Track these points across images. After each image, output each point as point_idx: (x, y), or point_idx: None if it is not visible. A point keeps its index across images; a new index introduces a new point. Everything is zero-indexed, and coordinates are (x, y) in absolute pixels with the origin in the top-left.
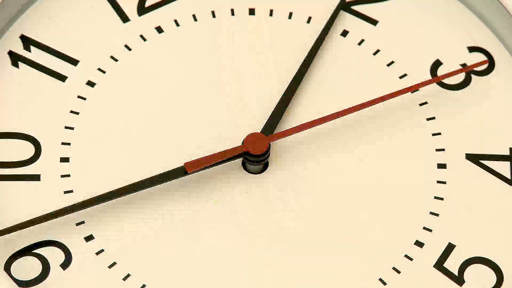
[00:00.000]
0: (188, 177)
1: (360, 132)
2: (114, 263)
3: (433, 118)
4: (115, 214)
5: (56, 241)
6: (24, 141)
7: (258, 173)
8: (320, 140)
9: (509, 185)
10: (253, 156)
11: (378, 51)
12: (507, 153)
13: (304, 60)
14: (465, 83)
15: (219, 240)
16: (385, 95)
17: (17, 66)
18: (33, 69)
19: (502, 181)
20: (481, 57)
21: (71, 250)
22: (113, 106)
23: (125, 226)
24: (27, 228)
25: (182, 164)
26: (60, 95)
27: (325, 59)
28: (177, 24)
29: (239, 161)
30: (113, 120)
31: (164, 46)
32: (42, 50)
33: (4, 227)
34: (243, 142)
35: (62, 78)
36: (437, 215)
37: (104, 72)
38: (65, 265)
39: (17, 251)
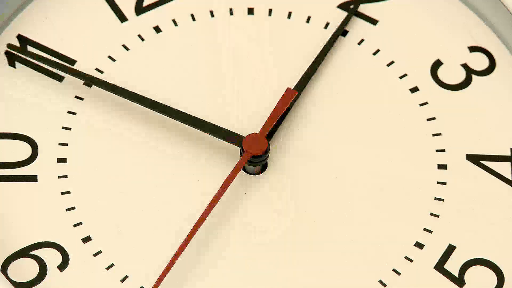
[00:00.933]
0: (186, 178)
1: (359, 132)
2: (112, 265)
3: (434, 118)
4: (113, 215)
5: (53, 243)
6: (21, 141)
7: (257, 174)
8: (319, 141)
9: (510, 186)
10: (252, 157)
11: (378, 51)
12: (508, 153)
13: (310, 66)
14: (466, 83)
15: (217, 241)
16: None
17: (14, 66)
18: (30, 69)
19: (503, 182)
20: (482, 57)
21: (68, 252)
22: (111, 106)
23: (123, 228)
24: (22, 229)
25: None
26: (57, 95)
27: (324, 59)
28: (175, 24)
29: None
30: (110, 120)
31: (162, 46)
32: (39, 50)
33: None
34: (241, 143)
35: (59, 78)
36: (437, 216)
37: (101, 72)
38: (62, 266)
39: (14, 253)
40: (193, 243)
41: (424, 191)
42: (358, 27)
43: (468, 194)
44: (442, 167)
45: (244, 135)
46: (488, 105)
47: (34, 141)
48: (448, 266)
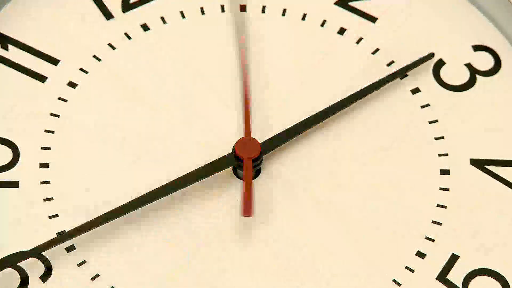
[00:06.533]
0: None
1: (357, 136)
2: (97, 275)
3: (436, 121)
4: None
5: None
6: (1, 145)
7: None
8: (316, 144)
9: None
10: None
11: (377, 50)
12: None
13: (348, 97)
14: (470, 83)
15: (211, 248)
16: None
17: None
18: (11, 69)
19: (509, 188)
20: (487, 56)
21: (51, 262)
22: (95, 108)
23: (109, 236)
24: (3, 238)
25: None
26: (40, 97)
27: (321, 59)
28: (164, 22)
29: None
30: (95, 123)
31: (150, 45)
32: (21, 49)
33: None
34: (233, 146)
35: (42, 78)
36: (440, 224)
37: (86, 72)
38: (45, 277)
39: None
40: (184, 250)
41: (426, 198)
42: (356, 24)
43: (472, 201)
44: (444, 172)
45: (234, 138)
46: (493, 106)
47: (15, 145)
48: (451, 276)
